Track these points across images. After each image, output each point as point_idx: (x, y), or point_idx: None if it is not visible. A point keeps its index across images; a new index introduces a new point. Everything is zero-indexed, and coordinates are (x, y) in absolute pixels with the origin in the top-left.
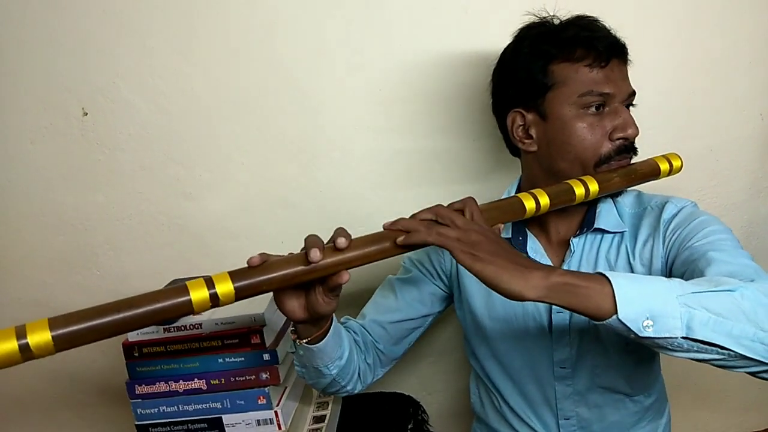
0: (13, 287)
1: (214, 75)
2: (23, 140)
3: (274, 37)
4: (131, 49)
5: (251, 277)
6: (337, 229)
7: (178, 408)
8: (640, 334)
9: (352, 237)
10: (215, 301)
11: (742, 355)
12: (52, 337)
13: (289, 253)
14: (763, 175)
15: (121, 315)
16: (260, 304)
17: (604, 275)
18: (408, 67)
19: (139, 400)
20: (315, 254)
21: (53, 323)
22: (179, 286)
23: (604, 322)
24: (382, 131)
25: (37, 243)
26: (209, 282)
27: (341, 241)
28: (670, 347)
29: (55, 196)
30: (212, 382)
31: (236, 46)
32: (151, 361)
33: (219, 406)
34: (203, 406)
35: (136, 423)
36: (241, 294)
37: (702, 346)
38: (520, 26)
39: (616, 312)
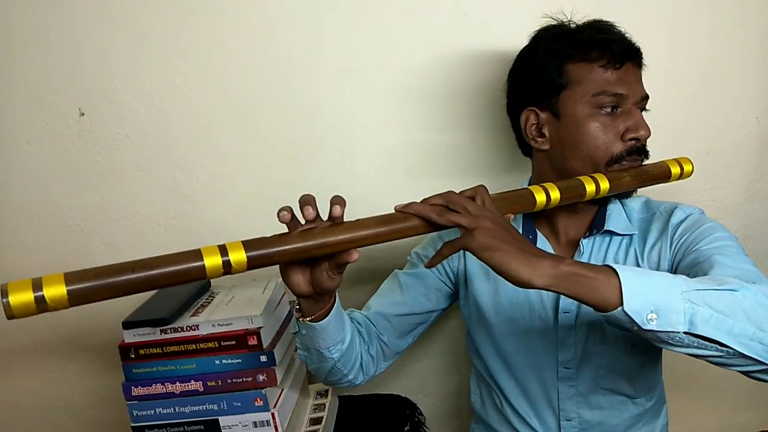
0: None
1: (211, 76)
2: (20, 141)
3: (272, 39)
4: (128, 50)
5: (264, 248)
6: (333, 197)
7: (175, 410)
8: (644, 327)
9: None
10: (227, 268)
11: (740, 353)
12: (67, 291)
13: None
14: (759, 179)
15: (135, 275)
16: (257, 306)
17: (611, 267)
18: (406, 69)
19: (136, 401)
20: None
21: (69, 278)
22: (194, 251)
23: (609, 313)
24: (380, 133)
25: (33, 244)
26: (223, 249)
27: (336, 209)
28: (671, 341)
29: (51, 196)
30: (209, 384)
31: (234, 47)
32: (147, 363)
33: (216, 408)
34: (200, 408)
35: (132, 425)
36: (253, 263)
37: (702, 342)
38: (537, 28)
39: (621, 304)
